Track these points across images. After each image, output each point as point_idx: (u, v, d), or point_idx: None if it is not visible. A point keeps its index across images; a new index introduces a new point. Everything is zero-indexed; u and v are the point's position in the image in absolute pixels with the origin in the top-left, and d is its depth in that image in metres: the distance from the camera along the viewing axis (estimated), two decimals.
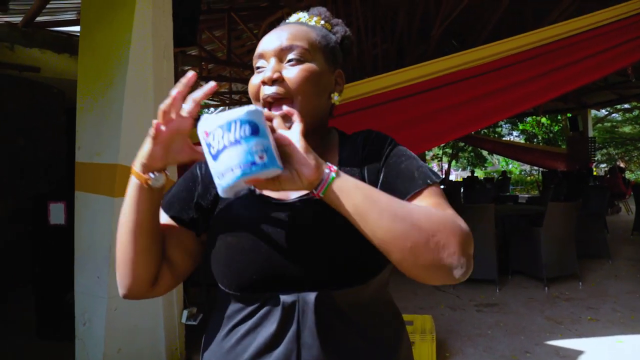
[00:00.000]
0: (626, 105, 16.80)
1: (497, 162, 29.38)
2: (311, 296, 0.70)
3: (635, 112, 18.52)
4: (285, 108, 0.72)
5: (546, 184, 12.20)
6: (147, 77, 2.67)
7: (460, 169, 31.53)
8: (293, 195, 0.78)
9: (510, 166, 28.77)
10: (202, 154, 0.65)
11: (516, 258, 4.89)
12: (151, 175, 0.71)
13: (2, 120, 4.61)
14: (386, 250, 0.65)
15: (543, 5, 7.35)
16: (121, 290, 0.79)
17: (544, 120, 20.98)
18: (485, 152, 23.52)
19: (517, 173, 27.78)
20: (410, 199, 0.72)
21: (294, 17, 0.90)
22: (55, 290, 3.06)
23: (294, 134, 0.65)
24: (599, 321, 3.56)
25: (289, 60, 0.78)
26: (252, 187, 0.78)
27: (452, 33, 9.32)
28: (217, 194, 0.80)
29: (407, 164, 0.77)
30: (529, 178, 25.42)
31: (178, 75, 3.15)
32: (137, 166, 0.71)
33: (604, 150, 20.63)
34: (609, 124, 20.65)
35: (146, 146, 0.69)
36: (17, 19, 4.93)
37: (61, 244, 2.93)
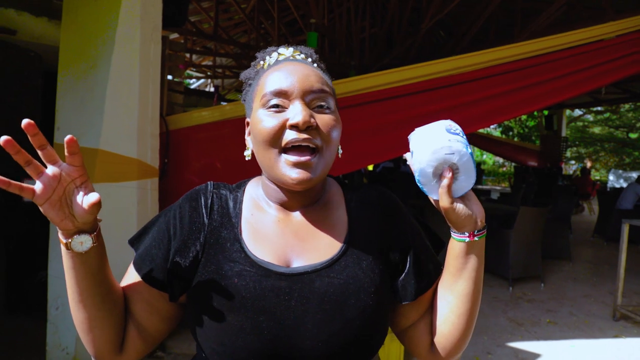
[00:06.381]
0: (598, 108, 17.31)
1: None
2: None
3: (606, 115, 19.12)
4: None
5: (517, 179, 12.57)
6: (133, 60, 2.58)
7: None
8: (295, 263, 0.70)
9: (485, 156, 29.33)
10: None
11: (485, 256, 5.05)
12: (75, 237, 0.62)
13: None
14: (446, 317, 0.76)
15: (533, 5, 7.43)
16: (91, 355, 0.72)
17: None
18: None
19: (491, 164, 28.34)
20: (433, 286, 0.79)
21: (302, 53, 0.76)
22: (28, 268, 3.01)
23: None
24: (557, 324, 3.76)
25: (319, 106, 0.68)
26: (247, 250, 0.69)
27: (441, 24, 9.30)
28: (199, 251, 0.70)
29: (429, 248, 0.82)
30: (501, 169, 26.02)
31: (165, 58, 3.05)
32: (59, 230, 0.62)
33: (574, 149, 21.27)
34: (581, 124, 21.25)
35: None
36: None
37: (36, 221, 2.86)
